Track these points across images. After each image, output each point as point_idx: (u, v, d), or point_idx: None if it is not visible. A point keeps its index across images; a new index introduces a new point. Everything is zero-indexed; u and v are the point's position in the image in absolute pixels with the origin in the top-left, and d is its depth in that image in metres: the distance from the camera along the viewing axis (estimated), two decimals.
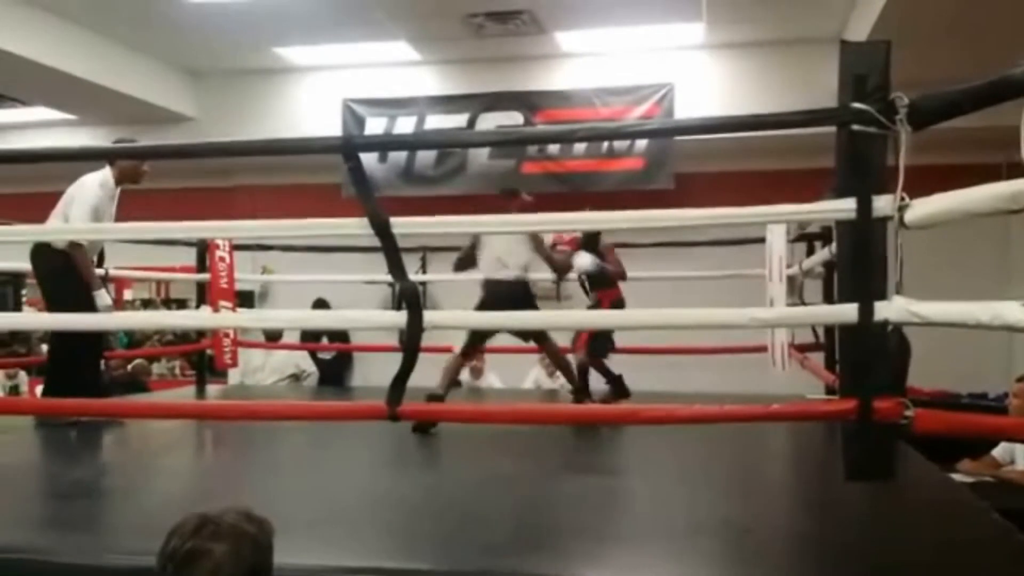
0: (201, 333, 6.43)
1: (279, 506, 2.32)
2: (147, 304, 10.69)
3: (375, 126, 8.25)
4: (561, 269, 4.99)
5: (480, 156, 8.17)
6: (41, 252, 4.43)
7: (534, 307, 4.67)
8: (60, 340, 4.59)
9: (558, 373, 6.60)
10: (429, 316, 2.62)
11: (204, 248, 5.90)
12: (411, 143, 7.28)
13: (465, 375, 7.03)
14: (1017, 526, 2.50)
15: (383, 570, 2.14)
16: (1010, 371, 6.08)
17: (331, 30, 7.44)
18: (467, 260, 4.87)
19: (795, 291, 5.08)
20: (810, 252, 5.18)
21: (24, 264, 4.70)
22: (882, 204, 2.16)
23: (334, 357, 8.45)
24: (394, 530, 2.63)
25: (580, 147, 7.93)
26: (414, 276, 3.40)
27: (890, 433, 2.21)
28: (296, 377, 7.67)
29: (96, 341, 4.69)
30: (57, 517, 2.79)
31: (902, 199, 2.12)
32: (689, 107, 7.54)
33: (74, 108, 8.56)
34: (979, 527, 2.60)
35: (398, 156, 8.24)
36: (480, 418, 3.61)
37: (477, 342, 4.85)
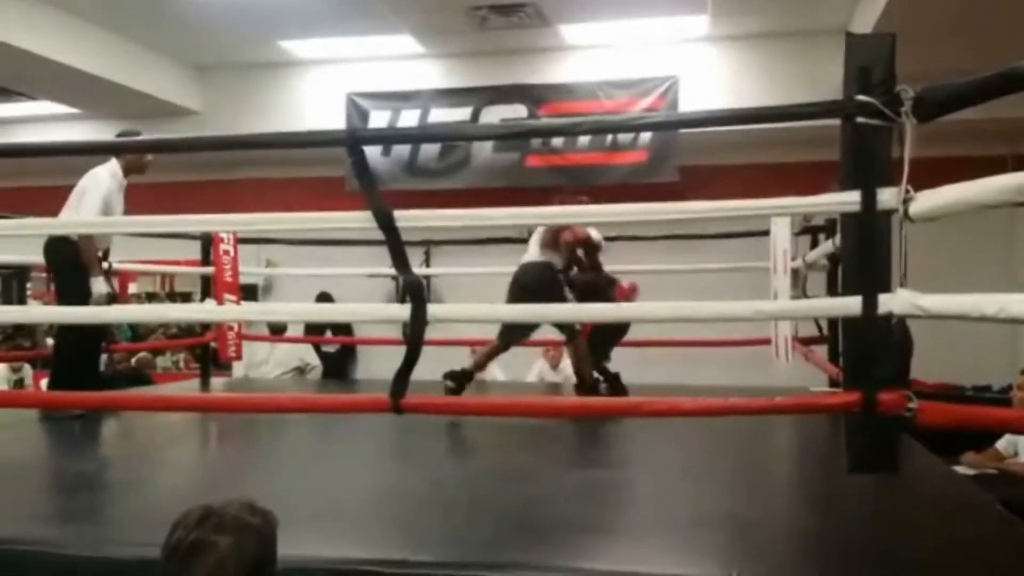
0: (206, 326, 6.43)
1: (283, 498, 2.32)
2: (152, 297, 10.71)
3: (379, 119, 8.25)
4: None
5: (484, 149, 8.17)
6: (55, 245, 4.48)
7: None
8: (64, 333, 4.63)
9: (561, 366, 6.62)
10: (433, 309, 2.62)
11: (208, 241, 5.91)
12: (415, 136, 7.30)
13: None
14: (1021, 518, 2.50)
15: (387, 562, 2.14)
16: (1014, 363, 6.08)
17: (335, 23, 7.43)
18: None
19: (799, 284, 5.08)
20: (814, 245, 5.17)
21: (27, 257, 4.72)
22: (887, 197, 2.16)
23: (338, 350, 8.46)
24: (398, 523, 2.64)
25: (584, 140, 7.92)
26: (418, 269, 3.41)
27: (894, 426, 2.21)
28: (300, 370, 7.68)
29: (94, 333, 4.73)
30: (62, 509, 2.81)
31: (907, 192, 2.12)
32: (694, 100, 7.52)
33: (79, 102, 8.57)
34: (983, 520, 2.60)
35: (402, 149, 8.24)
36: (484, 411, 3.61)
37: (520, 334, 4.92)
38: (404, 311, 2.60)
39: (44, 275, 10.11)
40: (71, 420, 4.32)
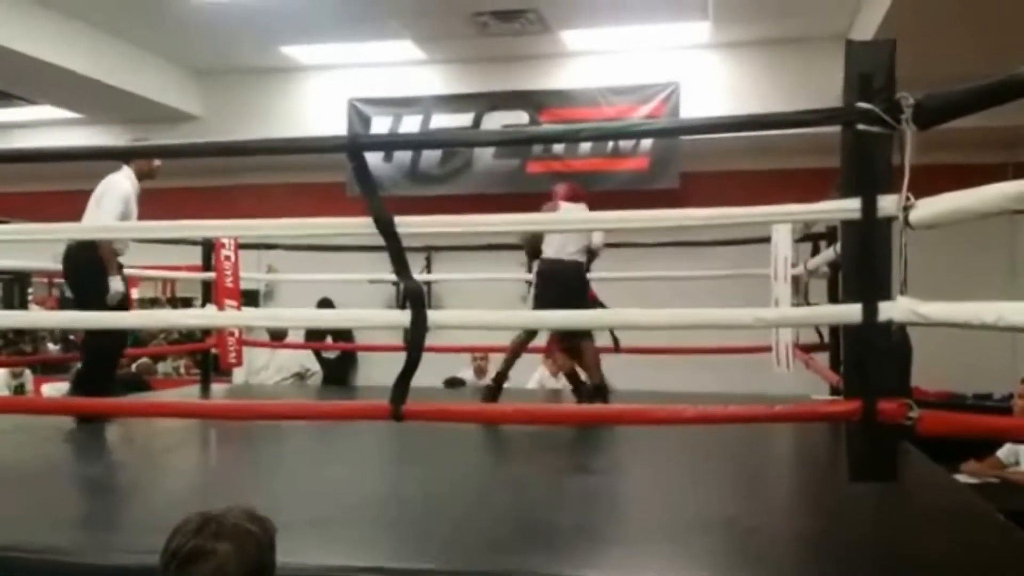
0: (206, 332, 6.43)
1: (282, 505, 2.32)
2: (153, 303, 10.70)
3: (380, 125, 8.25)
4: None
5: (485, 155, 8.17)
6: (77, 251, 4.52)
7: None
8: (95, 335, 4.68)
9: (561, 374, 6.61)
10: (433, 316, 2.62)
11: (210, 247, 5.91)
12: (416, 142, 7.28)
13: (469, 374, 7.04)
14: (1021, 527, 2.49)
15: (386, 570, 2.14)
16: (1015, 372, 6.07)
17: (337, 29, 7.44)
18: None
19: (800, 291, 5.07)
20: (815, 252, 5.17)
21: (29, 262, 4.73)
22: (887, 204, 2.16)
23: (338, 356, 8.46)
24: (398, 530, 2.63)
25: (585, 147, 7.92)
26: (419, 275, 3.41)
27: (894, 434, 2.21)
28: (300, 376, 7.68)
29: (121, 335, 4.88)
30: (61, 516, 2.80)
31: (907, 199, 2.12)
32: (695, 106, 7.53)
33: (80, 107, 8.58)
34: (983, 529, 2.59)
35: (403, 155, 8.24)
36: (484, 418, 3.61)
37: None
38: (405, 317, 2.60)
39: (45, 281, 10.17)
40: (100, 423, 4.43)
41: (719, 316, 2.54)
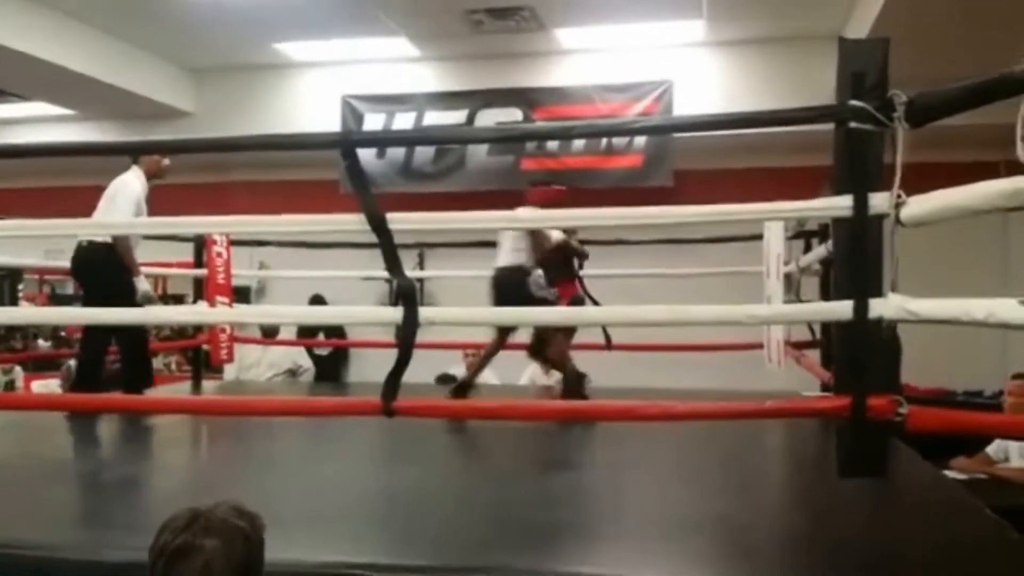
0: (198, 328, 6.41)
1: (273, 501, 2.32)
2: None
3: (374, 122, 8.24)
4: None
5: (479, 153, 8.16)
6: (94, 251, 4.54)
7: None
8: (127, 332, 4.70)
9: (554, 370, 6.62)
10: (425, 312, 2.62)
11: (201, 243, 5.89)
12: (409, 139, 7.27)
13: (461, 371, 7.03)
14: (1010, 523, 2.50)
15: (377, 566, 2.14)
16: (1005, 368, 6.07)
17: (330, 26, 7.42)
18: None
19: (792, 288, 5.08)
20: (807, 249, 5.18)
21: (20, 259, 4.71)
22: (879, 201, 2.16)
23: (330, 353, 8.44)
24: (389, 526, 2.63)
25: (579, 144, 7.91)
26: (411, 272, 3.40)
27: (883, 430, 2.21)
28: (292, 373, 7.66)
29: (144, 332, 5.04)
30: (50, 512, 2.79)
31: (899, 196, 2.12)
32: (688, 104, 7.53)
33: (73, 103, 8.54)
34: (973, 524, 2.60)
35: (396, 152, 8.22)
36: (475, 415, 3.60)
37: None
38: (397, 314, 2.60)
39: (36, 277, 10.14)
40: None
41: (712, 313, 2.55)
